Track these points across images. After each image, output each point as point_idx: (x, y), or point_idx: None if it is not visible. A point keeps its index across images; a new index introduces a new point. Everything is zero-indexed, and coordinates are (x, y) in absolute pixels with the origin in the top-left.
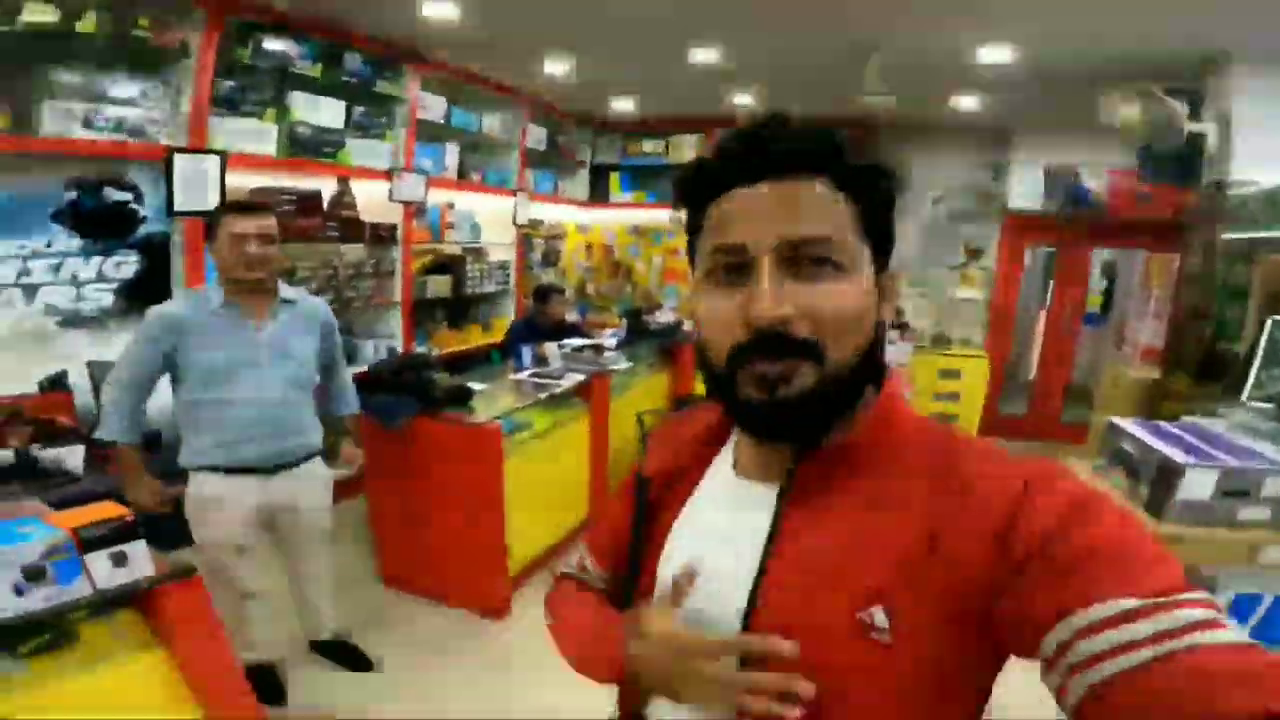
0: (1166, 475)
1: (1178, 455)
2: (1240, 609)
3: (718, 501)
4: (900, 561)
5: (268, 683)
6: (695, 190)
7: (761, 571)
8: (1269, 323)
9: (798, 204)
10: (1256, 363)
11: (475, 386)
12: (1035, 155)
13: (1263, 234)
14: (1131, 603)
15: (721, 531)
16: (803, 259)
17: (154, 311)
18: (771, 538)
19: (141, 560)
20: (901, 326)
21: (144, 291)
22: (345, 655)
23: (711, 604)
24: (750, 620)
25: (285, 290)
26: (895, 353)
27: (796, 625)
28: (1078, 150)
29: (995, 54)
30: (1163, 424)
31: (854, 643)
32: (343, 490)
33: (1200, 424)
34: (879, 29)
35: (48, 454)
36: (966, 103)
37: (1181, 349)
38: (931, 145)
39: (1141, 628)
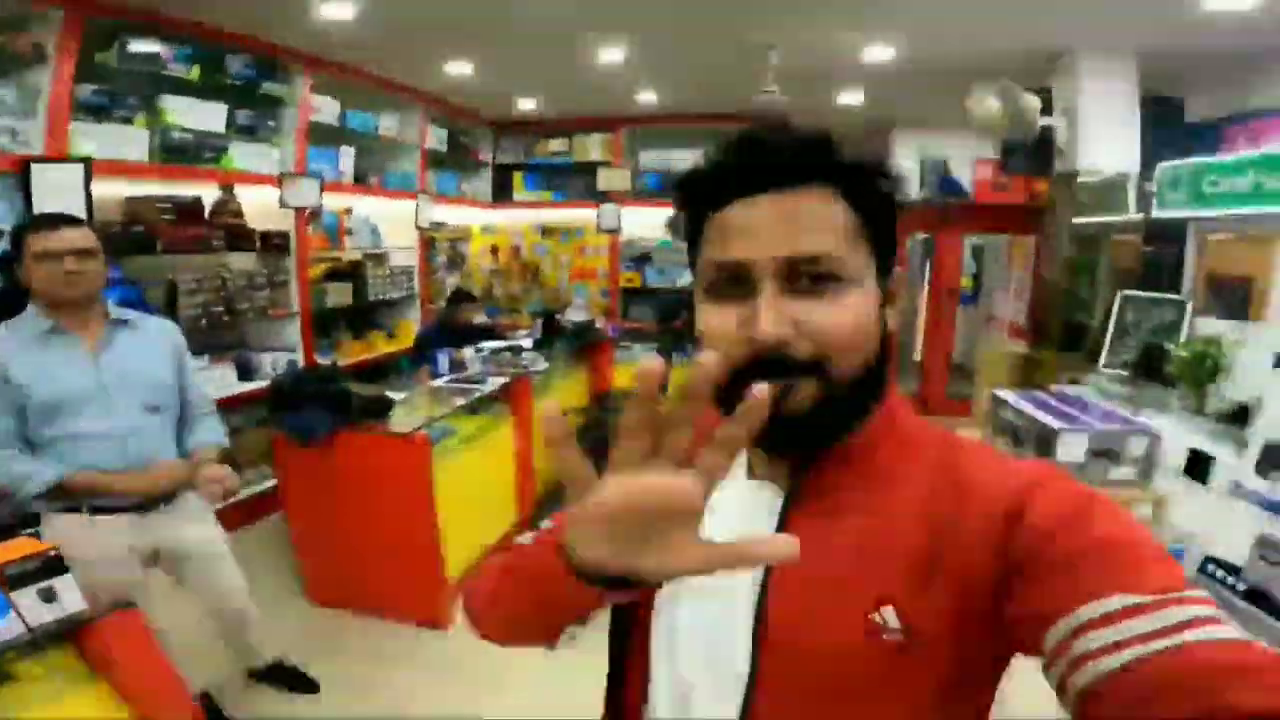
0: (1045, 440)
1: (1052, 421)
2: None
3: (723, 503)
4: (906, 564)
5: (207, 711)
6: (693, 201)
7: (767, 577)
8: (1118, 297)
9: (798, 218)
10: (1109, 334)
11: (393, 395)
12: (911, 149)
13: (1108, 218)
14: (1132, 599)
15: (725, 536)
16: (805, 275)
17: None
18: None
19: (71, 595)
20: None
21: (2, 315)
22: (285, 679)
23: (719, 609)
24: (759, 626)
25: (117, 310)
26: None
27: (807, 630)
28: (949, 143)
29: (879, 53)
30: (1037, 393)
31: (867, 644)
32: (254, 510)
33: (1068, 391)
34: (775, 30)
35: None
36: (850, 99)
37: (1044, 324)
38: None
39: (1141, 624)
